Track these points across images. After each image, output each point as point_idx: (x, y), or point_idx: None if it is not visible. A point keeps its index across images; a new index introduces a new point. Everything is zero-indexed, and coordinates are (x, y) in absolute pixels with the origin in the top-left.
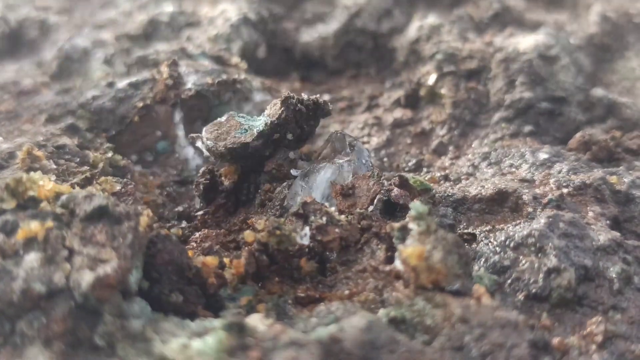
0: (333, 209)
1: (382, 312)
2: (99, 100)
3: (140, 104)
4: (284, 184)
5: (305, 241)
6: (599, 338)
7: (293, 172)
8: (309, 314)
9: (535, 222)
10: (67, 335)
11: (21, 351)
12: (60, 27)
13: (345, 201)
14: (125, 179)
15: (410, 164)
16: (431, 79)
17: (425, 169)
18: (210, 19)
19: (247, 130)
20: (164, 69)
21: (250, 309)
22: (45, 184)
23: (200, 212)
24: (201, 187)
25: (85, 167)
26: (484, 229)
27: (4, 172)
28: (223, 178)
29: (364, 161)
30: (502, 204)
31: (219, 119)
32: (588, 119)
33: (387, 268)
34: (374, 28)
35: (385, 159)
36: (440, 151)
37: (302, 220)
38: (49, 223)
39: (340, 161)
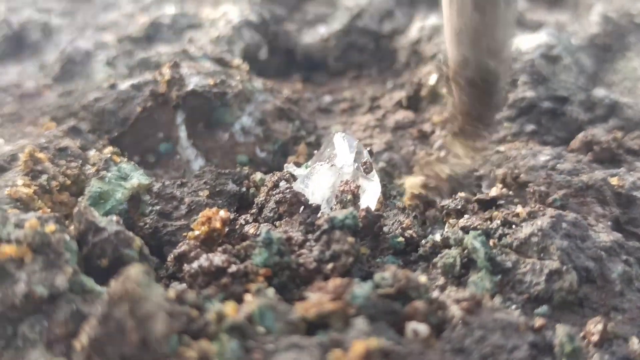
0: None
1: None
2: (101, 102)
3: (142, 106)
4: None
5: None
6: (596, 337)
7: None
8: None
9: (536, 223)
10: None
11: (23, 354)
12: (63, 29)
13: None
14: None
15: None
16: (432, 79)
17: None
18: (212, 21)
19: None
20: (166, 71)
21: None
22: None
23: None
24: None
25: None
26: None
27: (6, 175)
28: None
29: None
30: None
31: None
32: (590, 118)
33: None
34: (376, 29)
35: (386, 162)
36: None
37: None
38: (52, 226)
39: (341, 163)
